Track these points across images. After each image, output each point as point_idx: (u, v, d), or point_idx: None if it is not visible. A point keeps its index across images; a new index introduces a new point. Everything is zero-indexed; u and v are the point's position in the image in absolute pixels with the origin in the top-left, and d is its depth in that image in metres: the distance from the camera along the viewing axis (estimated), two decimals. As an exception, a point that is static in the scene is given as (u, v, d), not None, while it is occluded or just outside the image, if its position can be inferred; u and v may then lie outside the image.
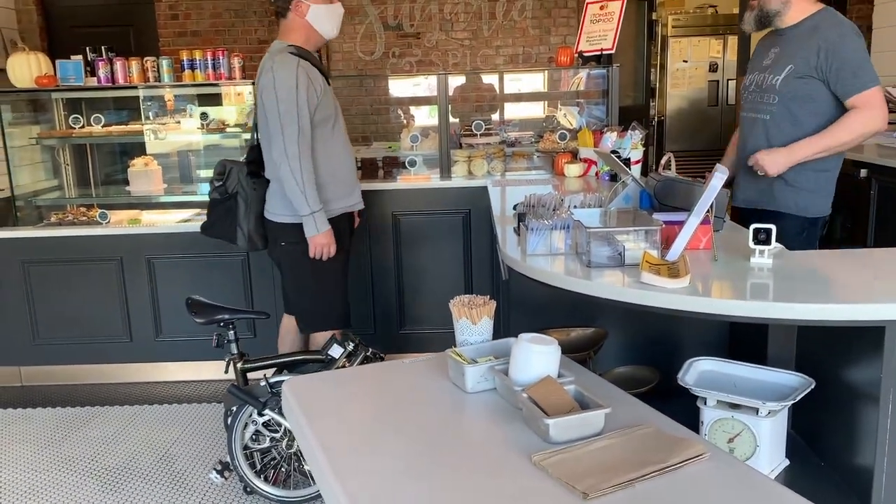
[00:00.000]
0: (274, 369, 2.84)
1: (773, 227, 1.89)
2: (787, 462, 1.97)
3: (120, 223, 4.01)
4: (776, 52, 2.70)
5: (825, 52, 2.52)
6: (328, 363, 2.70)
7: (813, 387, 1.83)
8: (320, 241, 2.87)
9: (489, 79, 6.45)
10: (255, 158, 3.05)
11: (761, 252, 1.91)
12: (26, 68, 3.93)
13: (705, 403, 1.89)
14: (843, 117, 2.52)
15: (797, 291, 1.76)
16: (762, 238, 1.89)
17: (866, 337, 1.70)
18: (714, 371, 2.00)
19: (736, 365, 2.00)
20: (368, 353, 2.65)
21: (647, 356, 2.52)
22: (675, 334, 2.54)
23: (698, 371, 2.00)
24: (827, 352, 1.99)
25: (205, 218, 3.21)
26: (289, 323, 3.19)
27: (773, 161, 2.57)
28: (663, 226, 2.00)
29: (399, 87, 6.55)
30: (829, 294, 1.78)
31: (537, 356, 1.49)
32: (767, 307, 1.66)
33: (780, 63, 2.66)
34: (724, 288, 1.87)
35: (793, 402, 1.82)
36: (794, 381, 1.89)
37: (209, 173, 4.60)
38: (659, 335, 2.54)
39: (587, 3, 4.11)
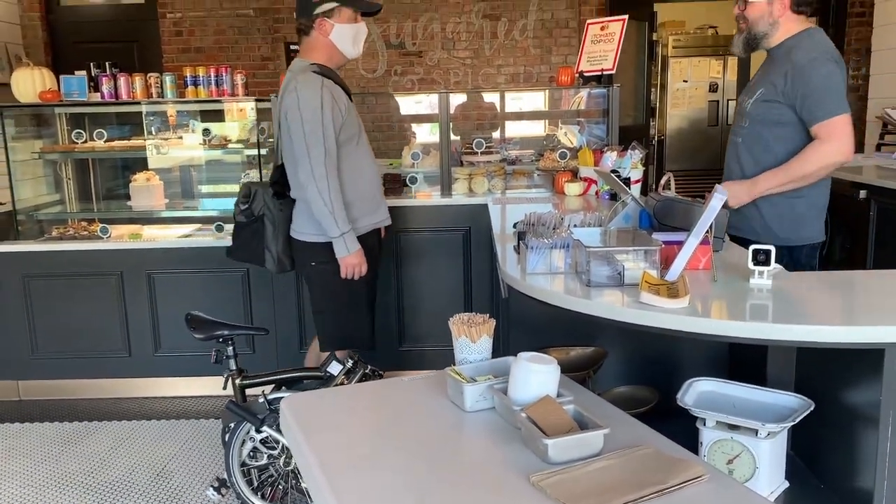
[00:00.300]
0: (272, 386, 2.84)
1: (772, 248, 1.89)
2: (787, 484, 1.96)
3: (121, 238, 4.02)
4: (759, 73, 2.69)
5: (792, 77, 2.47)
6: (327, 380, 2.70)
7: (812, 408, 1.83)
8: (351, 262, 2.85)
9: (490, 97, 6.49)
10: (279, 179, 3.01)
11: (760, 273, 1.91)
12: (30, 83, 3.96)
13: (704, 424, 1.89)
14: (805, 149, 2.46)
15: (796, 313, 1.76)
16: (761, 259, 1.90)
17: (866, 359, 1.70)
18: (713, 392, 2.00)
19: (735, 386, 1.99)
20: (367, 371, 2.65)
21: (646, 376, 2.51)
22: (674, 354, 2.54)
23: (697, 391, 1.99)
24: (826, 373, 1.99)
25: (229, 240, 3.19)
26: (316, 343, 3.18)
27: (734, 194, 2.52)
28: (662, 246, 2.01)
29: (401, 104, 6.59)
30: (829, 316, 1.78)
31: (536, 375, 1.49)
32: (766, 328, 1.66)
33: (755, 86, 2.65)
34: (724, 309, 1.87)
35: (792, 423, 1.81)
36: (794, 403, 1.89)
37: (211, 189, 4.64)
38: (658, 355, 2.53)
39: (588, 24, 4.14)
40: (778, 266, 2.01)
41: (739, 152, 2.67)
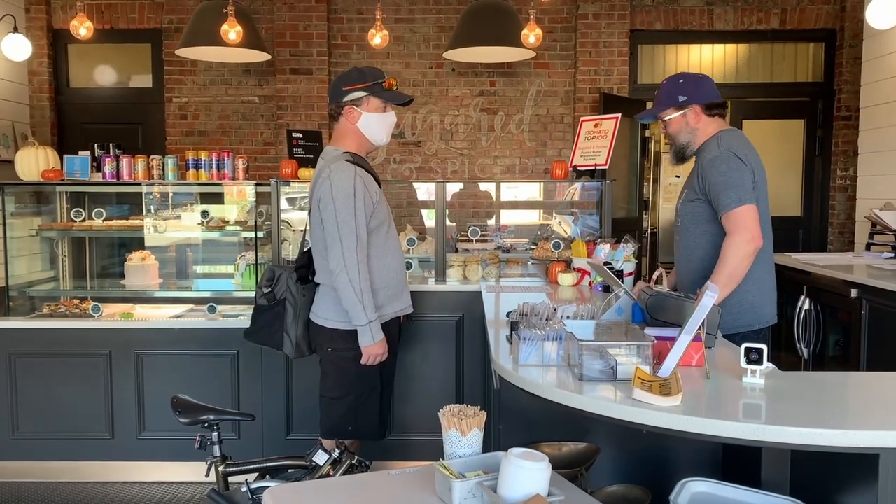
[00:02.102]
0: (256, 474, 2.76)
1: (764, 346, 1.89)
2: None
3: (112, 316, 4.00)
4: (688, 177, 2.91)
5: (702, 176, 2.69)
6: (312, 470, 2.63)
7: (809, 513, 1.79)
8: (375, 351, 2.83)
9: (486, 186, 6.61)
10: (305, 263, 3.01)
11: (753, 372, 1.90)
12: (34, 162, 4.03)
13: (699, 527, 1.84)
14: (721, 250, 2.61)
15: (790, 414, 1.74)
16: (754, 358, 1.89)
17: (861, 463, 1.67)
18: (708, 493, 1.95)
19: (730, 487, 1.95)
20: (354, 462, 2.59)
21: (639, 474, 2.46)
22: (667, 451, 2.49)
23: (691, 493, 1.95)
24: (822, 476, 1.95)
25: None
26: None
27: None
28: (655, 341, 2.01)
29: (399, 191, 6.69)
30: (823, 418, 1.76)
31: (527, 473, 1.46)
32: (760, 430, 1.64)
33: (683, 188, 2.91)
34: (717, 408, 1.85)
35: (788, 529, 1.77)
36: (790, 507, 1.85)
37: (206, 269, 4.65)
38: (651, 452, 2.49)
39: (582, 121, 4.27)
40: (771, 365, 2.00)
41: (679, 250, 2.90)
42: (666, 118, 2.82)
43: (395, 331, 3.05)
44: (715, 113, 2.79)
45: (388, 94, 2.90)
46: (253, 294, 3.30)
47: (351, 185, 2.74)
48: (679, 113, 2.78)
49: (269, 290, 3.01)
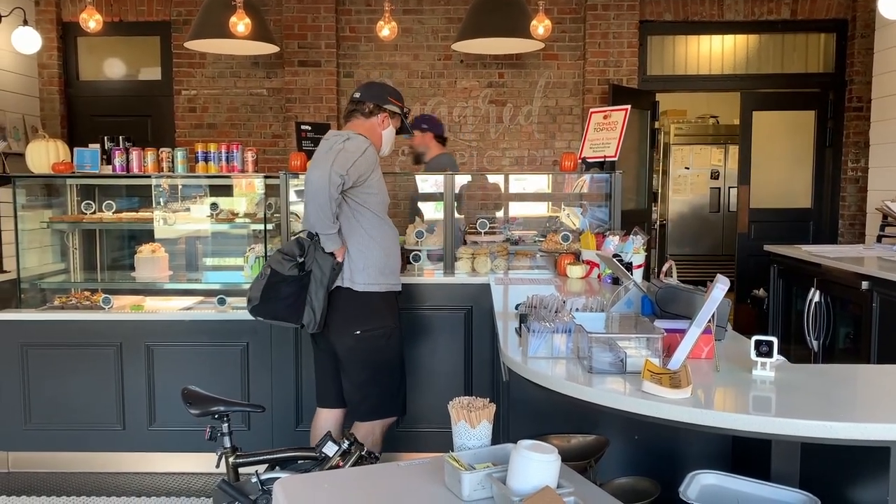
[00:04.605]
0: (266, 465, 2.78)
1: (774, 339, 1.89)
2: (794, 586, 1.89)
3: (123, 308, 4.02)
4: None
5: None
6: (321, 461, 2.64)
7: (819, 506, 1.78)
8: (342, 253, 3.11)
9: (494, 178, 6.59)
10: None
11: (763, 364, 1.90)
12: (44, 155, 4.04)
13: (708, 519, 1.84)
14: None
15: (800, 407, 1.73)
16: (764, 350, 1.89)
17: (872, 456, 1.66)
18: (717, 486, 1.95)
19: (740, 480, 1.95)
20: (363, 453, 2.59)
21: (648, 466, 2.46)
22: (676, 444, 2.49)
23: (700, 485, 1.95)
24: (833, 469, 1.95)
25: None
26: (329, 416, 3.25)
27: None
28: (665, 334, 2.00)
29: (407, 184, 6.68)
30: (833, 411, 1.75)
31: (537, 465, 1.46)
32: (770, 423, 1.63)
33: None
34: (726, 401, 1.85)
35: (798, 522, 1.76)
36: (799, 500, 1.84)
37: (215, 262, 4.67)
38: (660, 444, 2.49)
39: (591, 112, 4.25)
40: (781, 357, 2.00)
41: None
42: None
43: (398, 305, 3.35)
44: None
45: (405, 124, 3.41)
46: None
47: (364, 147, 3.05)
48: None
49: (302, 259, 3.08)
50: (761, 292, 5.22)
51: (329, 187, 2.92)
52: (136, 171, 4.03)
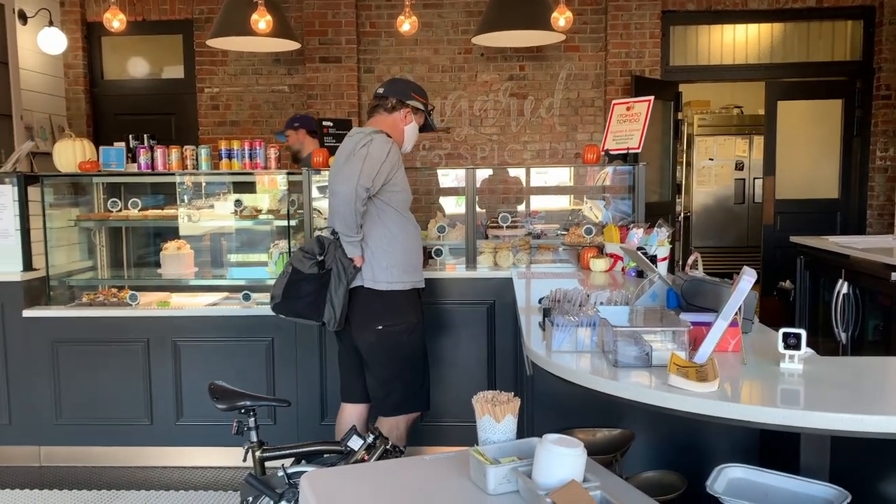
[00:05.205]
0: (292, 459, 2.80)
1: (802, 331, 1.86)
2: (824, 580, 1.87)
3: (149, 305, 4.07)
4: None
5: None
6: (347, 455, 2.65)
7: (849, 501, 1.76)
8: (360, 261, 3.12)
9: (516, 172, 6.57)
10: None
11: (791, 357, 1.87)
12: (71, 154, 4.09)
13: (736, 514, 1.82)
14: None
15: (829, 400, 1.71)
16: (792, 343, 1.86)
17: (903, 449, 1.64)
18: (744, 479, 1.94)
19: (767, 473, 1.93)
20: (388, 447, 2.61)
21: (674, 460, 2.44)
22: (703, 437, 2.47)
23: (728, 478, 1.93)
24: (863, 463, 1.92)
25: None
26: (353, 411, 3.27)
27: None
28: (691, 327, 1.98)
29: (428, 178, 6.68)
30: (863, 404, 1.73)
31: (562, 459, 1.46)
32: (799, 416, 1.61)
33: None
34: (754, 394, 1.83)
35: (828, 516, 1.74)
36: (829, 494, 1.82)
37: (240, 258, 4.71)
38: (687, 438, 2.47)
39: (614, 104, 4.21)
40: (809, 350, 1.97)
41: None
42: None
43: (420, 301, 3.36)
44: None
45: (429, 121, 3.38)
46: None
47: (388, 148, 3.06)
48: None
49: (322, 257, 3.10)
50: (788, 284, 5.15)
51: (356, 201, 2.96)
52: (160, 168, 4.06)
